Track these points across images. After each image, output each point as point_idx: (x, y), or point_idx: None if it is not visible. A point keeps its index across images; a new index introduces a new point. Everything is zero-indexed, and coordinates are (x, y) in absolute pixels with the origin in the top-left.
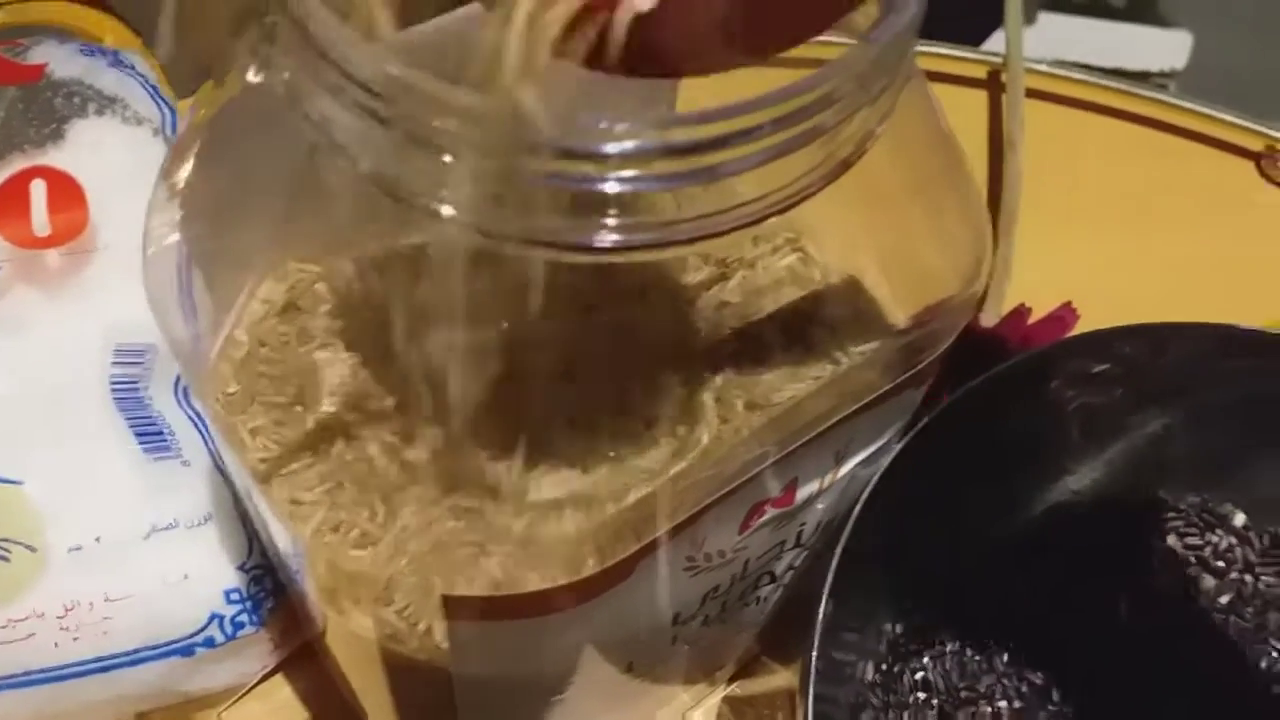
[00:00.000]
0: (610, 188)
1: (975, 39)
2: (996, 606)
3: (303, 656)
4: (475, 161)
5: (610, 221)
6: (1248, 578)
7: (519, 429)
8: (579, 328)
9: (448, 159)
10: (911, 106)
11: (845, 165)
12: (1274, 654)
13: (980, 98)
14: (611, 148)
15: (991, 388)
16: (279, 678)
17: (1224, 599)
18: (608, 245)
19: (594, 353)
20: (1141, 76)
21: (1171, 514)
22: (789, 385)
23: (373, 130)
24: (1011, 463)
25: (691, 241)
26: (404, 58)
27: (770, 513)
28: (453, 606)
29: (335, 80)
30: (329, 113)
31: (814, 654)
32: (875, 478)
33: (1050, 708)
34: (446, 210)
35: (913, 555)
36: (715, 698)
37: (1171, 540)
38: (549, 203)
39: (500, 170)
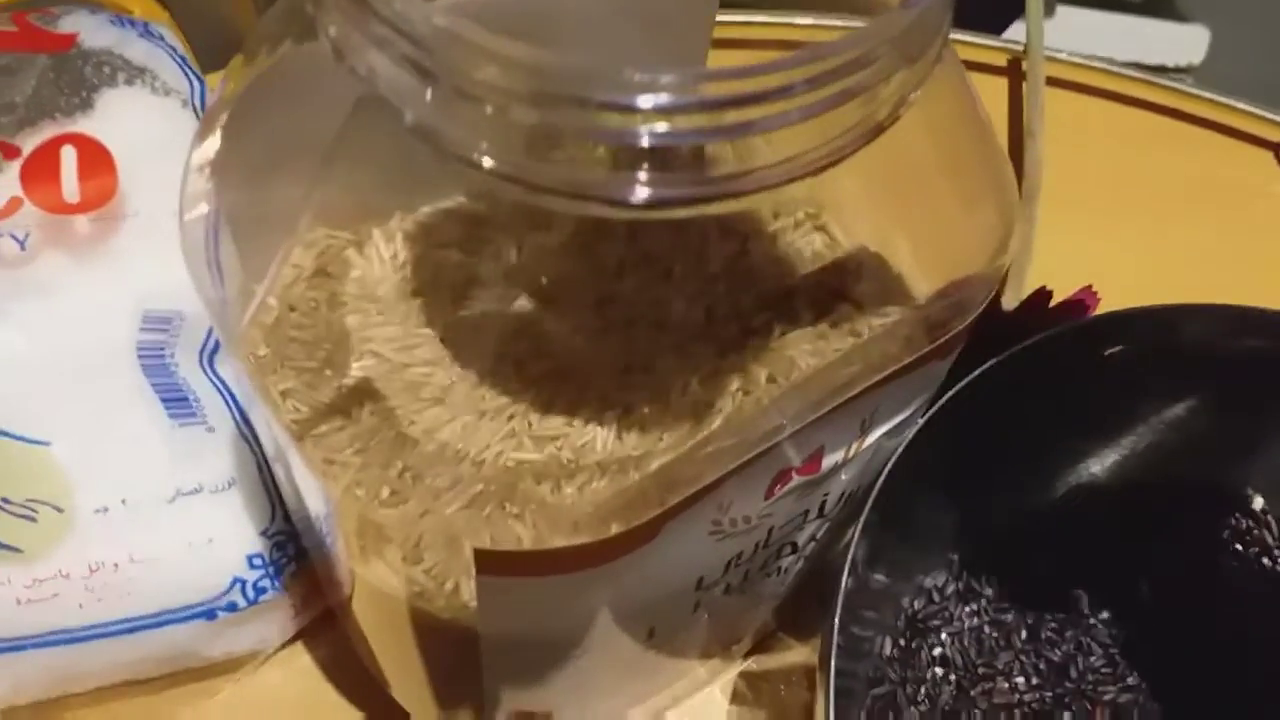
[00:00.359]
0: (645, 141)
1: (996, 29)
2: (1016, 584)
3: (323, 624)
4: (516, 112)
5: (645, 176)
6: (1265, 560)
7: (545, 395)
8: (606, 296)
9: (490, 110)
10: (944, 80)
11: (879, 129)
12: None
13: (1001, 85)
14: (647, 101)
15: (1013, 367)
16: (298, 646)
17: (1243, 581)
18: (643, 200)
19: (619, 322)
20: (1158, 71)
21: (1190, 496)
22: (812, 358)
23: (418, 83)
24: (1032, 442)
25: (725, 198)
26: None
27: (795, 480)
28: (483, 561)
29: (383, 33)
30: (376, 66)
31: (835, 625)
32: (897, 452)
33: (1067, 684)
34: (488, 162)
35: (933, 532)
36: (730, 674)
37: (1191, 522)
38: (586, 155)
39: (540, 122)
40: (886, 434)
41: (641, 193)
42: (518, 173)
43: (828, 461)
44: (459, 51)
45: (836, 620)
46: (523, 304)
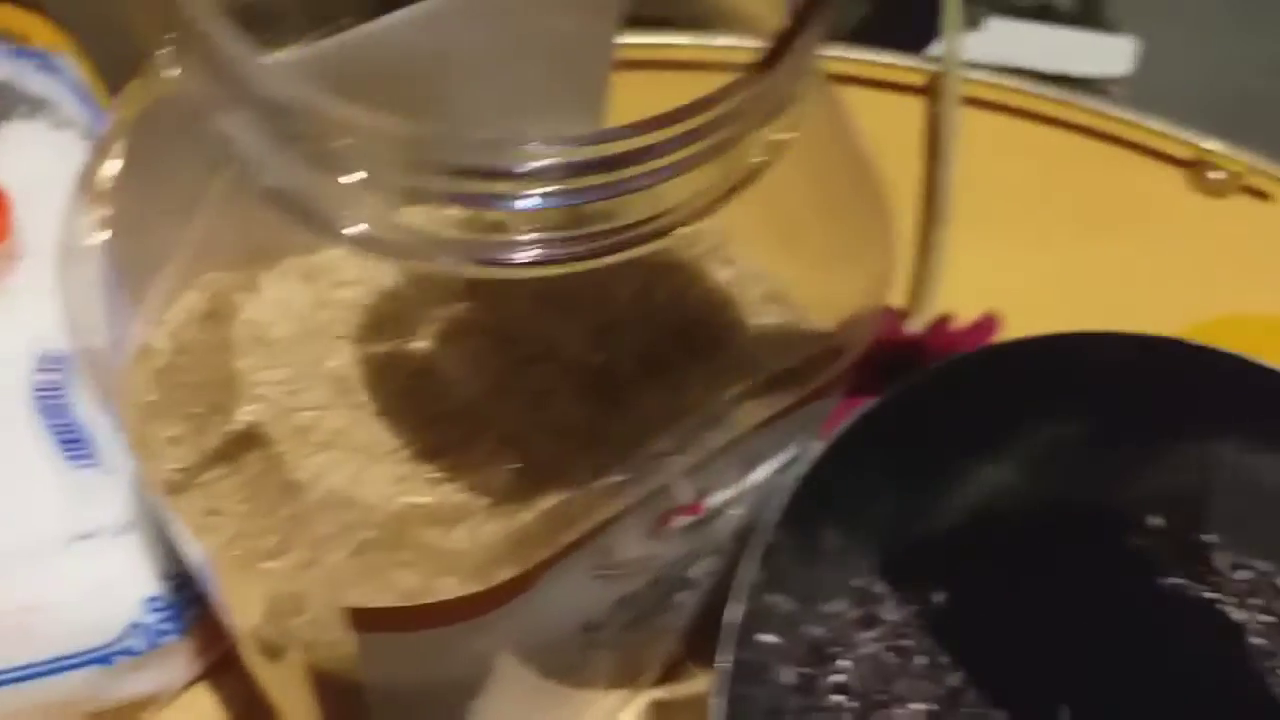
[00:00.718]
0: (511, 206)
1: (916, 46)
2: (916, 609)
3: (227, 666)
4: (379, 181)
5: (511, 238)
6: (1161, 579)
7: (440, 436)
8: (505, 334)
9: (350, 179)
10: (820, 118)
11: (749, 179)
12: (1189, 652)
13: (919, 105)
14: (512, 167)
15: (906, 397)
16: (202, 687)
17: (1141, 600)
18: (512, 261)
19: (518, 360)
20: (1087, 83)
21: (1090, 518)
22: (705, 397)
23: (273, 149)
24: (930, 470)
25: (592, 257)
26: (308, 74)
27: (680, 521)
28: (356, 618)
29: (234, 97)
30: (228, 130)
31: (726, 663)
32: (793, 485)
33: (962, 710)
34: (352, 230)
35: (834, 558)
36: (643, 701)
37: (1090, 544)
38: (454, 219)
39: (405, 190)
40: (773, 471)
41: (508, 254)
42: (382, 240)
43: (712, 501)
44: (314, 121)
45: (727, 655)
46: (420, 344)
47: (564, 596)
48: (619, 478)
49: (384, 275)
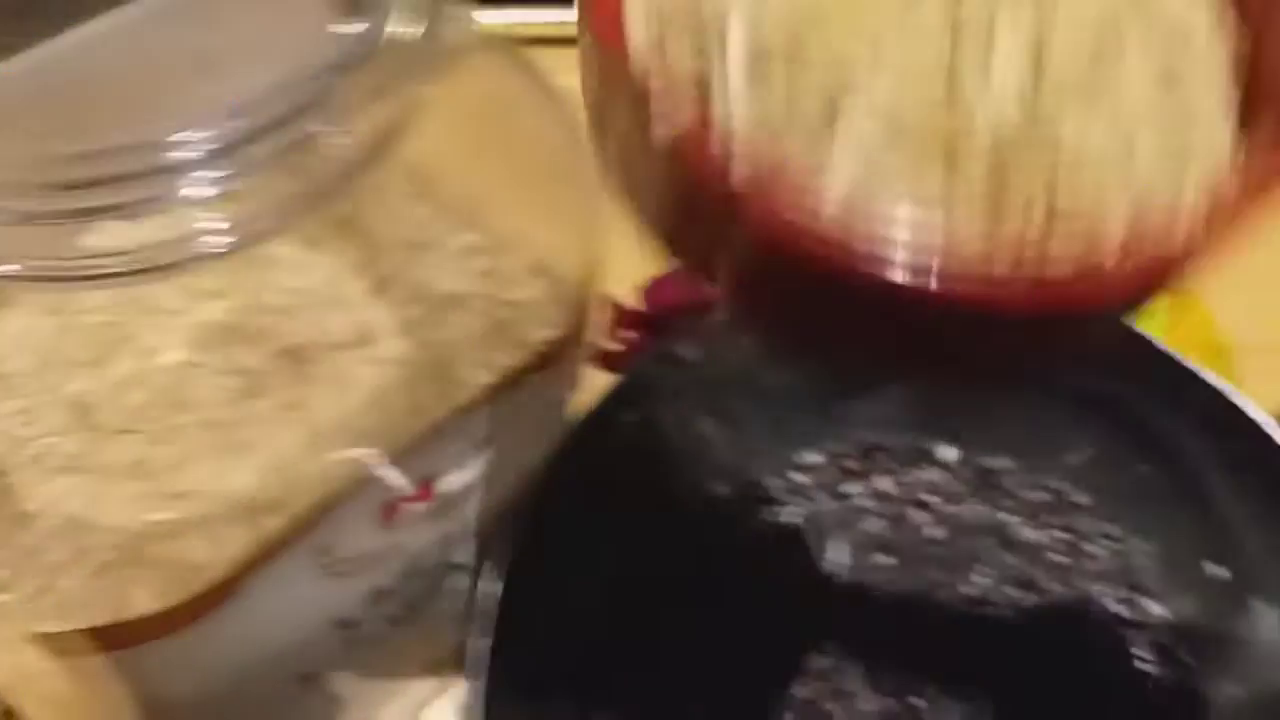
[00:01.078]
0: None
1: None
2: (694, 564)
3: None
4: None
5: (174, 239)
6: (952, 507)
7: (184, 449)
8: (257, 330)
9: None
10: (498, 88)
11: (386, 143)
12: (979, 581)
13: None
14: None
15: (677, 354)
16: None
17: (935, 532)
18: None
19: (273, 355)
20: None
21: (879, 454)
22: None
23: None
24: (712, 425)
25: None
26: None
27: (412, 509)
28: (61, 641)
29: None
30: None
31: (483, 641)
32: (550, 458)
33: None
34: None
35: (619, 524)
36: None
37: (883, 478)
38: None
39: (35, 215)
40: (517, 450)
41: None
42: (41, 273)
43: (443, 487)
44: None
45: (482, 633)
46: (168, 356)
47: (293, 596)
48: (310, 480)
49: (132, 295)
